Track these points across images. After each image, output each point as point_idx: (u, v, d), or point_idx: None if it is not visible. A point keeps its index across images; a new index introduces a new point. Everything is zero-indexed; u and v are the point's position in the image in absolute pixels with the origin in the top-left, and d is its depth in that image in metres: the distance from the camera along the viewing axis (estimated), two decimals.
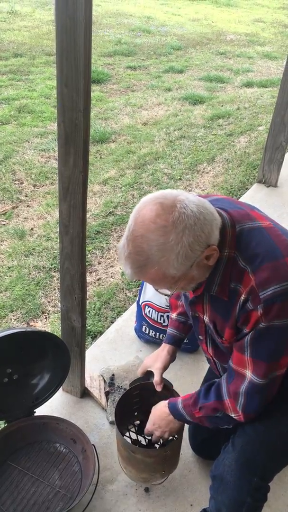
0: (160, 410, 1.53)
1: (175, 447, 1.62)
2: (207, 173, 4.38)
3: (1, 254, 3.09)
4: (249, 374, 1.27)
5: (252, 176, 4.31)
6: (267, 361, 1.24)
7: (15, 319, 2.58)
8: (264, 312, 1.18)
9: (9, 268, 2.97)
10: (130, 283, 2.88)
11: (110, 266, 3.06)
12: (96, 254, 3.16)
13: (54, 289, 2.79)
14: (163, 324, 2.20)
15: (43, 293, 2.77)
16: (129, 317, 2.50)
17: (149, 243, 1.13)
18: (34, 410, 1.84)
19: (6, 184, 3.90)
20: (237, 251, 1.22)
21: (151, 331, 2.28)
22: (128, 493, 1.73)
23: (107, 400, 2.02)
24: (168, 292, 1.28)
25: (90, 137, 4.76)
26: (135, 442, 1.72)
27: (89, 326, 2.52)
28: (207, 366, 2.26)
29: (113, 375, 2.10)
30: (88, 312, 2.62)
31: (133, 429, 1.77)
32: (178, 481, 1.78)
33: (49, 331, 2.43)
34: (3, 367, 1.76)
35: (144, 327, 2.30)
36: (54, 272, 2.90)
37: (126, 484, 1.75)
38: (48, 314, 2.64)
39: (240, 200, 3.86)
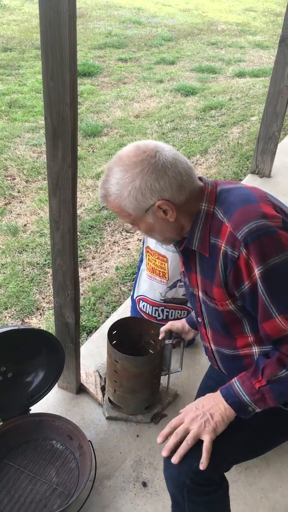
0: (203, 400, 1.30)
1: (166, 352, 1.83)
2: (200, 165, 4.36)
3: None
4: None
5: (246, 167, 4.29)
6: None
7: (10, 316, 2.56)
8: (249, 251, 1.15)
9: (3, 265, 2.95)
10: (125, 278, 2.86)
11: (105, 261, 3.04)
12: (90, 249, 3.14)
13: (48, 285, 2.78)
14: (158, 318, 2.19)
15: (37, 290, 2.76)
16: (124, 311, 2.49)
17: (112, 175, 1.26)
18: (30, 408, 1.83)
19: None
20: (216, 207, 1.27)
21: None
22: (125, 488, 1.73)
23: (103, 396, 2.02)
24: (132, 230, 1.39)
25: (83, 131, 4.75)
26: None
27: (84, 321, 2.51)
28: (203, 359, 2.25)
29: None
30: (82, 308, 2.61)
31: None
32: None
33: (44, 328, 2.42)
34: None
35: None
36: (48, 268, 2.88)
37: (123, 479, 1.75)
38: (43, 310, 2.62)
39: None
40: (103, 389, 2.04)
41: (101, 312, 2.61)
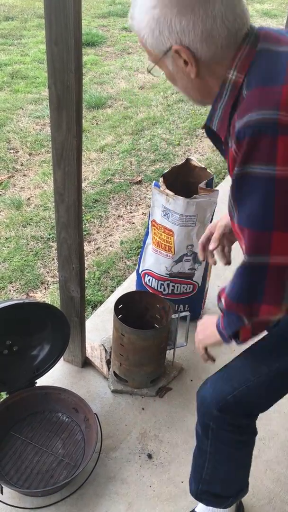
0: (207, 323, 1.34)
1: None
2: (206, 137, 4.28)
3: None
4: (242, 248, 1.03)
5: None
6: (250, 227, 0.97)
7: (15, 290, 2.56)
8: (236, 146, 0.93)
9: (7, 239, 2.92)
10: (130, 252, 2.84)
11: (109, 235, 3.01)
12: (94, 223, 3.11)
13: (53, 259, 2.76)
14: (163, 292, 2.18)
15: (41, 264, 2.74)
16: (129, 286, 2.48)
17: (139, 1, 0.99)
18: (36, 381, 1.83)
19: (1, 153, 3.81)
20: (246, 77, 0.97)
21: None
22: (131, 459, 1.74)
23: (109, 369, 2.02)
24: (151, 66, 1.07)
25: (86, 103, 4.67)
26: None
27: (89, 295, 2.50)
28: None
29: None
30: (87, 282, 2.59)
31: None
32: (181, 447, 1.79)
33: (48, 302, 2.41)
34: (3, 338, 1.75)
35: None
36: (52, 242, 2.86)
37: (129, 451, 1.77)
38: (47, 284, 2.61)
39: None
40: (108, 362, 2.05)
41: (106, 286, 2.60)
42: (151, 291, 2.21)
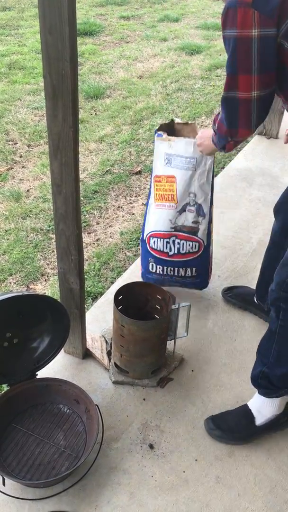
0: (208, 133, 1.86)
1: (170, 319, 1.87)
2: (206, 126, 4.25)
3: None
4: None
5: None
6: (227, 72, 1.44)
7: (15, 283, 2.55)
8: (222, 19, 1.37)
9: (6, 231, 2.92)
10: (130, 243, 2.83)
11: (109, 226, 3.00)
12: (94, 214, 3.10)
13: (53, 251, 2.75)
14: (169, 253, 2.17)
15: (41, 256, 2.74)
16: (129, 277, 2.47)
17: None
18: (36, 373, 1.83)
19: (0, 145, 3.80)
20: None
21: (158, 267, 2.24)
22: (132, 450, 1.75)
23: (109, 360, 2.02)
24: None
25: (84, 93, 4.63)
26: None
27: (89, 287, 2.49)
28: (209, 324, 2.24)
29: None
30: (87, 273, 2.59)
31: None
32: (182, 437, 1.79)
33: (48, 294, 2.41)
34: (3, 331, 1.74)
35: (150, 264, 2.25)
36: (52, 234, 2.85)
37: (130, 442, 1.77)
38: (47, 276, 2.61)
39: (241, 152, 3.76)
40: (109, 354, 2.04)
41: (106, 277, 2.59)
42: (157, 255, 2.20)
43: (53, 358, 1.86)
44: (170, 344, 2.02)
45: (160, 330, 1.85)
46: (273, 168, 3.48)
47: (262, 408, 1.77)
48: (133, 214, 3.12)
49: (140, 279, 2.36)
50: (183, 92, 4.83)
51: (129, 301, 1.96)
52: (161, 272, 2.25)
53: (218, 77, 5.22)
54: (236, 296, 2.32)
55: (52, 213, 1.70)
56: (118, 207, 3.18)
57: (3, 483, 1.55)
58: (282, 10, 1.29)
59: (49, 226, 2.93)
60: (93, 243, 2.86)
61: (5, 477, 1.54)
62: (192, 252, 2.17)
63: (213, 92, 4.86)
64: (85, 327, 1.98)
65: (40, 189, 3.29)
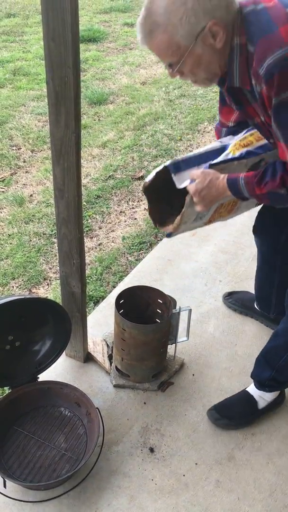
0: (214, 182, 1.48)
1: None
2: (208, 132, 4.27)
3: (1, 222, 3.06)
4: None
5: None
6: None
7: (17, 287, 2.57)
8: (267, 86, 1.20)
9: (10, 235, 2.94)
10: (132, 248, 2.85)
11: (111, 231, 3.02)
12: (96, 219, 3.12)
13: (55, 255, 2.77)
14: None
15: (44, 260, 2.75)
16: (130, 281, 2.48)
17: (156, 5, 1.21)
18: (38, 376, 1.84)
19: (3, 150, 3.83)
20: (246, 37, 1.23)
21: None
22: (133, 453, 1.75)
23: (111, 364, 2.03)
24: (175, 68, 1.30)
25: (88, 99, 4.67)
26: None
27: (91, 291, 2.51)
28: (210, 328, 2.25)
29: None
30: (89, 278, 2.60)
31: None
32: (182, 441, 1.80)
33: (50, 298, 2.43)
34: (5, 334, 1.76)
35: None
36: (55, 238, 2.87)
37: (131, 445, 1.78)
38: (50, 280, 2.62)
39: None
40: (110, 357, 2.05)
41: (108, 282, 2.60)
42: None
43: (55, 361, 1.87)
44: (171, 348, 2.03)
45: (161, 334, 1.86)
46: None
47: (264, 394, 1.85)
48: (135, 219, 3.14)
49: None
50: (185, 98, 4.86)
51: (130, 305, 1.98)
52: None
53: None
54: (236, 302, 2.33)
55: (55, 217, 1.72)
56: (121, 212, 3.20)
57: (4, 485, 1.56)
58: None
59: (52, 231, 2.95)
60: (95, 248, 2.88)
61: (6, 479, 1.55)
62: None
63: (215, 98, 4.88)
64: (87, 331, 2.00)
65: (43, 194, 3.32)
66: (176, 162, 1.58)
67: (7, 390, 1.89)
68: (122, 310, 1.92)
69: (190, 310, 1.94)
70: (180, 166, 1.58)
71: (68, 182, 1.56)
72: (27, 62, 5.50)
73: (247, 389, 1.89)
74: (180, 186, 1.56)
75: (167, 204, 1.69)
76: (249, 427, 1.86)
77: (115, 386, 1.97)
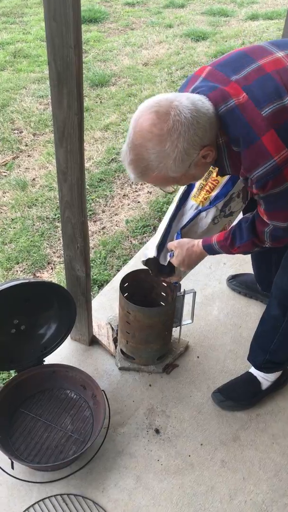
0: (191, 250, 1.65)
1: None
2: None
3: (4, 206, 3.05)
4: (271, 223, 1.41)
5: None
6: (281, 210, 1.36)
7: (21, 271, 2.57)
8: (259, 189, 1.28)
9: (13, 220, 2.93)
10: (135, 231, 2.84)
11: (115, 214, 3.01)
12: (99, 202, 3.10)
13: (59, 239, 2.76)
14: None
15: (48, 244, 2.75)
16: (134, 264, 2.48)
17: (148, 151, 1.22)
18: (44, 359, 1.85)
19: (5, 134, 3.80)
20: (228, 136, 1.27)
21: None
22: (139, 435, 1.77)
23: (116, 347, 2.04)
24: (172, 190, 1.44)
25: (90, 81, 4.61)
26: None
27: (95, 275, 2.51)
28: (215, 311, 2.25)
29: None
30: (93, 261, 2.60)
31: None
32: (188, 422, 1.82)
33: (54, 281, 2.43)
34: (10, 318, 1.76)
35: None
36: (58, 222, 2.86)
37: (137, 426, 1.79)
38: (54, 264, 2.62)
39: None
40: (115, 340, 2.06)
41: (112, 265, 2.60)
42: None
43: (60, 344, 1.88)
44: (175, 331, 2.04)
45: (166, 316, 1.86)
46: None
47: (266, 375, 1.87)
48: (139, 202, 3.12)
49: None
50: None
51: (135, 288, 1.98)
52: None
53: None
54: (240, 284, 2.33)
55: (58, 201, 1.71)
56: (124, 195, 3.18)
57: (12, 467, 1.58)
58: None
59: (55, 215, 2.94)
60: (99, 231, 2.87)
61: (14, 461, 1.57)
62: None
63: None
64: (92, 314, 2.00)
65: (45, 178, 3.30)
66: (159, 248, 1.78)
67: (13, 373, 1.90)
68: (126, 294, 1.92)
69: (194, 293, 1.94)
70: (160, 248, 1.78)
71: (71, 164, 1.54)
72: (27, 44, 5.43)
73: (250, 371, 1.90)
74: (165, 262, 1.77)
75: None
76: (253, 408, 1.87)
77: (120, 368, 1.98)
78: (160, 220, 2.92)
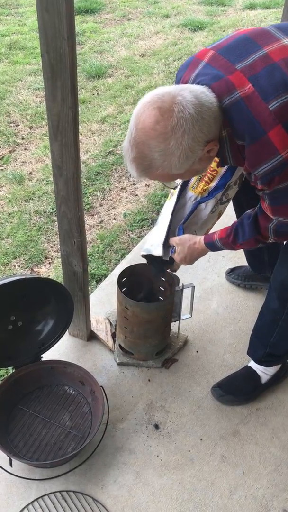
0: (193, 248, 1.65)
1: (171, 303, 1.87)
2: None
3: (1, 200, 3.02)
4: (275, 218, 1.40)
5: None
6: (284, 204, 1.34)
7: (19, 266, 2.55)
8: (264, 185, 1.26)
9: (10, 214, 2.91)
10: (133, 225, 2.82)
11: (112, 208, 2.98)
12: (97, 196, 3.08)
13: (56, 234, 2.74)
14: None
15: (45, 239, 2.73)
16: (133, 258, 2.46)
17: (151, 149, 1.18)
18: (41, 355, 1.84)
19: (1, 127, 3.76)
20: (231, 128, 1.23)
21: None
22: (138, 430, 1.76)
23: (114, 342, 2.02)
24: (175, 185, 1.45)
25: (86, 72, 4.57)
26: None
27: (93, 269, 2.49)
28: (214, 305, 2.24)
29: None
30: (91, 256, 2.58)
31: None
32: (187, 417, 1.81)
33: (53, 277, 2.41)
34: (7, 314, 1.75)
35: None
36: (55, 216, 2.83)
37: (136, 422, 1.78)
38: (51, 259, 2.60)
39: None
40: (113, 335, 2.05)
41: (110, 259, 2.58)
42: None
43: (58, 340, 1.87)
44: (174, 326, 2.02)
45: (164, 311, 1.85)
46: None
47: (266, 369, 1.86)
48: (137, 195, 3.09)
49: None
50: None
51: (133, 283, 1.96)
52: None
53: None
54: (239, 276, 2.32)
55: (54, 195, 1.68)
56: (121, 188, 3.16)
57: (11, 464, 1.57)
58: None
59: (52, 209, 2.91)
60: (97, 225, 2.85)
61: (12, 458, 1.56)
62: None
63: None
64: (89, 310, 1.99)
65: (42, 172, 3.27)
66: (164, 245, 1.77)
67: (11, 370, 1.89)
68: (124, 288, 1.91)
69: (193, 287, 1.92)
70: (165, 245, 1.76)
71: (66, 159, 1.52)
72: (23, 36, 5.37)
73: (249, 365, 1.89)
74: (167, 258, 1.77)
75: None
76: (253, 402, 1.86)
77: (119, 364, 1.97)
78: (158, 213, 2.90)
